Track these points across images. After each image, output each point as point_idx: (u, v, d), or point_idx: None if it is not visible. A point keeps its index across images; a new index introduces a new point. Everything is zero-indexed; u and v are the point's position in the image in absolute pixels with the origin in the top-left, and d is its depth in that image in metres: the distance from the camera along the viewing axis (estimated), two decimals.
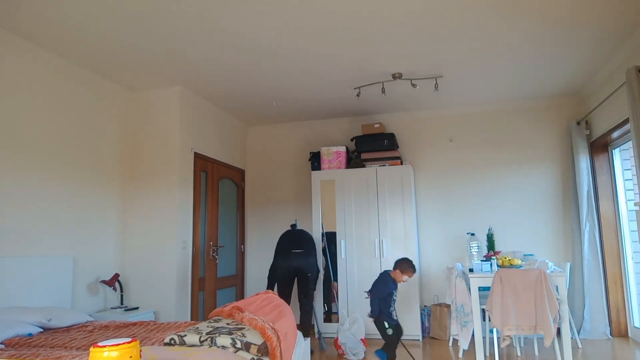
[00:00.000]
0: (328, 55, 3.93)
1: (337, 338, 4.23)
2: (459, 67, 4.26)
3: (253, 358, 2.23)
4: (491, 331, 4.37)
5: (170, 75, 4.30)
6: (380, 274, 3.94)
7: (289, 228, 4.84)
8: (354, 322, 4.27)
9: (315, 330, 4.70)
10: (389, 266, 4.92)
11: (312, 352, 4.12)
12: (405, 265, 3.84)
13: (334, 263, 5.08)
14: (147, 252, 4.41)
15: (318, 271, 4.59)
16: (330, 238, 5.17)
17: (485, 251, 5.01)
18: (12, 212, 3.32)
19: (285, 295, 4.34)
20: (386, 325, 3.70)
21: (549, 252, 5.04)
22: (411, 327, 4.75)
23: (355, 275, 4.98)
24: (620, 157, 4.72)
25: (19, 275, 3.25)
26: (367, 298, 3.89)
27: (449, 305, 4.85)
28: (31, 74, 3.53)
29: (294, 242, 4.45)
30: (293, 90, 4.77)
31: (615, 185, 4.72)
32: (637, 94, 3.49)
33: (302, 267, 4.34)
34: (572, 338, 4.38)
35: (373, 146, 5.17)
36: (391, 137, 5.14)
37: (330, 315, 5.12)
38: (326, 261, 5.12)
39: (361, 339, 4.20)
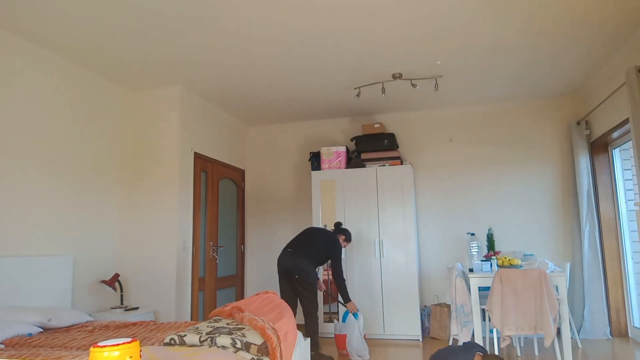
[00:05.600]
0: (328, 55, 3.93)
1: (337, 336, 4.20)
2: (459, 67, 4.26)
3: (253, 358, 2.23)
4: (491, 331, 4.37)
5: (170, 75, 4.30)
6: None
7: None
8: (358, 320, 4.25)
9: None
10: (389, 266, 4.92)
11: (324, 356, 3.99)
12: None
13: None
14: (147, 252, 4.41)
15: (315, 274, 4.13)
16: None
17: (485, 251, 5.01)
18: (12, 212, 3.32)
19: (283, 292, 4.13)
20: None
21: (549, 252, 5.04)
22: (411, 327, 4.75)
23: (355, 276, 4.98)
24: (620, 157, 4.72)
25: (19, 275, 3.25)
26: None
27: (449, 305, 4.85)
28: (31, 74, 3.53)
29: (295, 240, 4.23)
30: (293, 90, 4.77)
31: (616, 185, 4.72)
32: (637, 94, 3.49)
33: (288, 268, 4.01)
34: (572, 338, 4.38)
35: (373, 146, 5.17)
36: (391, 137, 5.14)
37: (330, 316, 5.12)
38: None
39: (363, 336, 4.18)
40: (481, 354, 2.80)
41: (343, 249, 4.62)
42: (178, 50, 3.76)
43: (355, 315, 4.14)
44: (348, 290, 4.88)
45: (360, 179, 5.11)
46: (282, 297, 4.08)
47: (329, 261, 4.33)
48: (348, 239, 4.42)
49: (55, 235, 3.68)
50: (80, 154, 3.98)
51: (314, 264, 4.10)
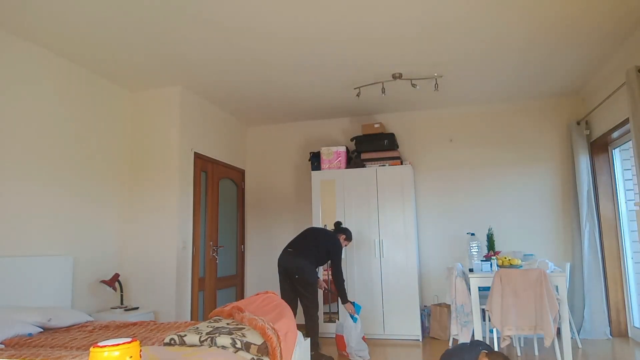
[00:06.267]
0: (328, 55, 3.93)
1: (338, 336, 4.21)
2: (459, 67, 4.26)
3: (253, 358, 2.23)
4: (491, 331, 4.37)
5: (170, 75, 4.30)
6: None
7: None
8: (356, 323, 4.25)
9: None
10: (389, 266, 4.92)
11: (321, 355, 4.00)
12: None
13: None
14: (147, 252, 4.41)
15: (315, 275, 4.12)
16: None
17: (485, 251, 5.01)
18: (12, 212, 3.32)
19: (284, 292, 4.12)
20: None
21: (549, 252, 5.04)
22: (411, 327, 4.75)
23: (355, 276, 4.98)
24: (620, 157, 4.72)
25: (19, 275, 3.25)
26: None
27: (449, 305, 4.85)
28: (31, 75, 3.53)
29: (295, 240, 4.23)
30: (293, 90, 4.77)
31: (616, 185, 4.72)
32: (637, 94, 3.49)
33: (288, 268, 4.02)
34: (572, 338, 4.38)
35: (373, 146, 5.17)
36: (391, 137, 5.14)
37: (330, 316, 5.12)
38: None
39: (362, 337, 4.19)
40: (486, 351, 2.81)
41: (343, 249, 4.62)
42: (178, 50, 3.76)
43: (353, 318, 4.14)
44: (348, 290, 4.90)
45: (360, 179, 5.11)
46: (283, 297, 4.08)
47: (329, 261, 4.32)
48: (349, 237, 4.42)
49: (55, 235, 3.68)
50: (80, 154, 3.98)
51: (314, 264, 4.09)
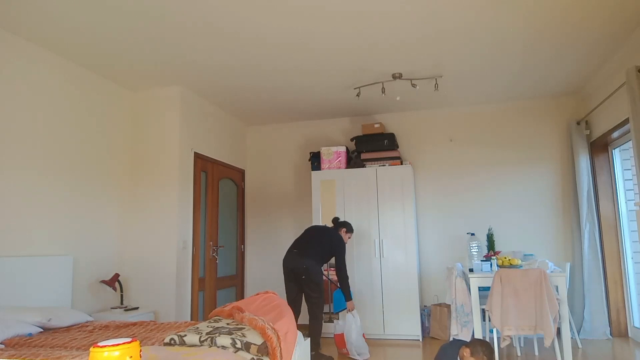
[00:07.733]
0: (328, 55, 3.93)
1: (337, 335, 4.21)
2: (459, 67, 4.26)
3: (253, 358, 2.23)
4: (491, 331, 4.37)
5: (170, 75, 4.30)
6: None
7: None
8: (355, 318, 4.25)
9: None
10: (389, 266, 4.92)
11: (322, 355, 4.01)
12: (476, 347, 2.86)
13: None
14: (147, 252, 4.41)
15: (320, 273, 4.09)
16: None
17: (485, 251, 5.01)
18: (12, 212, 3.32)
19: (290, 293, 4.10)
20: None
21: (549, 252, 5.04)
22: (411, 327, 4.75)
23: (355, 276, 4.98)
24: (620, 157, 4.72)
25: (19, 275, 3.25)
26: None
27: (449, 305, 4.85)
28: (31, 74, 3.53)
29: (300, 240, 4.22)
30: (293, 90, 4.77)
31: (616, 185, 4.72)
32: (637, 94, 3.49)
33: (294, 268, 4.02)
34: (572, 338, 4.38)
35: (373, 146, 5.17)
36: (391, 137, 5.14)
37: (330, 315, 5.12)
38: None
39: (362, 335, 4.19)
40: (465, 345, 2.93)
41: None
42: (178, 51, 3.76)
43: (342, 304, 4.17)
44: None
45: (360, 179, 5.11)
46: (288, 297, 4.08)
47: (332, 258, 4.34)
48: (350, 230, 4.44)
49: (55, 235, 3.68)
50: (80, 154, 3.98)
51: (320, 262, 4.11)
